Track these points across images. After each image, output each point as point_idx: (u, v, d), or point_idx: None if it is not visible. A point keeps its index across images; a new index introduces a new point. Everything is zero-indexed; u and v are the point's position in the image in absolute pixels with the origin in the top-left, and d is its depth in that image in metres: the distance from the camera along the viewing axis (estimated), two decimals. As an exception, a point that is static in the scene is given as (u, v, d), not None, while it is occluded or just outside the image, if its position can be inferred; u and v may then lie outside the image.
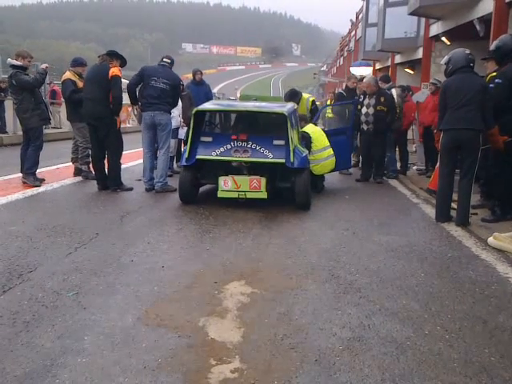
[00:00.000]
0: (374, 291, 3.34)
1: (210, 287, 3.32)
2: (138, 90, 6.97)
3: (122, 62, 6.97)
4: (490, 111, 5.34)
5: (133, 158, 9.53)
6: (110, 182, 6.81)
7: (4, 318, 2.80)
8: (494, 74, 6.07)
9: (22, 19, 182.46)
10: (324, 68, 74.85)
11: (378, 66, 23.45)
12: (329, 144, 7.25)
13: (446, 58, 5.65)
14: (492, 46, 6.03)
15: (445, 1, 11.23)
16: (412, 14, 13.07)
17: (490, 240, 4.62)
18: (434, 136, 7.60)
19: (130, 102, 7.31)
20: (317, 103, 9.36)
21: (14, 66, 6.87)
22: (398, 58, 18.90)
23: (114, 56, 6.83)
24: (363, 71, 24.63)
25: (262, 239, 4.59)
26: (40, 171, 7.22)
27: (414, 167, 10.03)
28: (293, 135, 5.91)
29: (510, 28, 9.48)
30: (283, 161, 5.78)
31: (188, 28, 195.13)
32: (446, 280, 3.64)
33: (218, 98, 51.64)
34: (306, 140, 6.93)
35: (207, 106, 6.36)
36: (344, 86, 11.77)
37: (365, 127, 8.27)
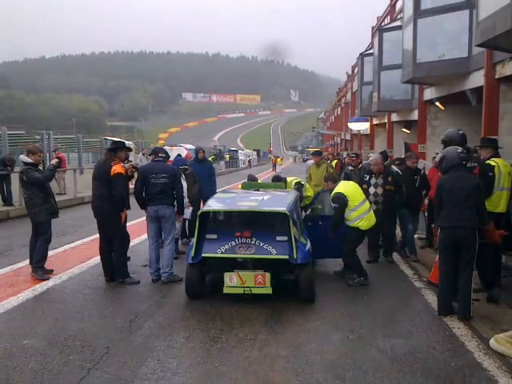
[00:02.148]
0: (380, 422, 3.43)
1: (221, 423, 3.41)
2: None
3: (128, 150, 7.27)
4: (484, 208, 5.57)
5: (139, 231, 9.72)
6: (117, 274, 6.96)
7: None
8: (489, 161, 6.36)
9: (25, 73, 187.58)
10: (322, 115, 76.07)
11: (375, 122, 23.93)
12: (365, 197, 7.32)
13: (439, 156, 5.92)
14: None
15: (437, 73, 11.66)
16: (406, 82, 13.54)
17: (492, 343, 4.73)
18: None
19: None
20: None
21: (25, 163, 7.14)
22: (394, 117, 19.34)
23: (117, 149, 7.00)
24: (361, 126, 25.22)
25: (268, 350, 4.68)
26: (48, 255, 7.40)
27: (416, 235, 10.15)
28: (295, 231, 6.10)
29: (501, 101, 9.86)
30: (287, 257, 5.96)
31: (188, 78, 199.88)
32: (450, 403, 3.73)
33: (219, 151, 52.38)
34: (341, 202, 6.92)
35: (212, 204, 6.57)
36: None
37: (373, 207, 7.84)
